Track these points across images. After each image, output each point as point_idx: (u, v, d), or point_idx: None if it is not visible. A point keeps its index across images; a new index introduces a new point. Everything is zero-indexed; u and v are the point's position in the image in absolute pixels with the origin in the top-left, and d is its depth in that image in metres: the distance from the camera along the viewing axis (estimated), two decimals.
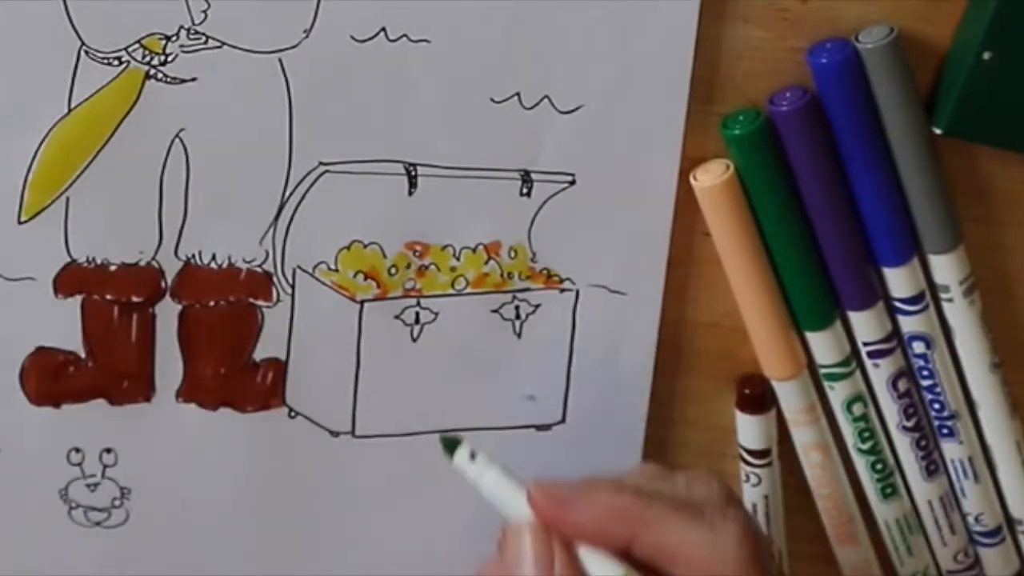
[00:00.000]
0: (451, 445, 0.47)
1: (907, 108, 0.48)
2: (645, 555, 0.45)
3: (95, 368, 0.52)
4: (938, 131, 0.49)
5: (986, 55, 0.47)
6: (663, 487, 0.46)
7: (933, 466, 0.55)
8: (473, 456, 0.47)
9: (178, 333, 0.52)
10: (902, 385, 0.53)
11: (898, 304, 0.52)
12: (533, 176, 0.51)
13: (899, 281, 0.52)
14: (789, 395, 0.53)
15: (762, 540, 0.45)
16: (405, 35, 0.49)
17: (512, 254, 0.52)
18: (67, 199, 0.50)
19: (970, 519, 0.56)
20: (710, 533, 0.44)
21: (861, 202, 0.50)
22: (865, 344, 0.53)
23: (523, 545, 0.45)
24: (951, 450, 0.55)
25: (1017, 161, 0.51)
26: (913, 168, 0.50)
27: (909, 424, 0.54)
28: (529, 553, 0.45)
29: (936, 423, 0.54)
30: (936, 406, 0.54)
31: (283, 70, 0.49)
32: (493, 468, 0.46)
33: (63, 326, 0.52)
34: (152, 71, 0.49)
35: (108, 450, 0.54)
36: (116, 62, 0.48)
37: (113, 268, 0.51)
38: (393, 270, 0.52)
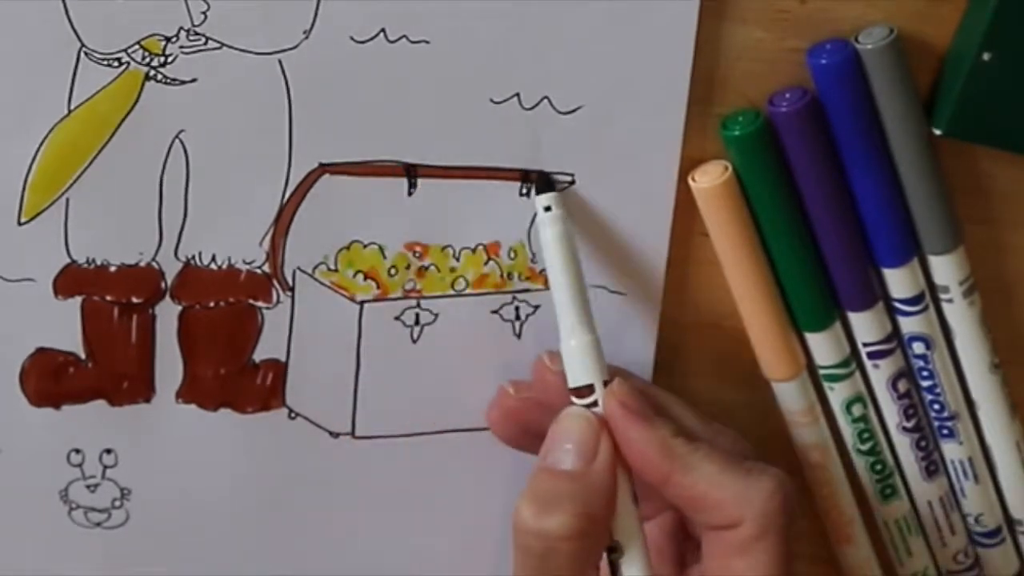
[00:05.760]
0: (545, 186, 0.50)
1: (907, 109, 0.48)
2: (675, 496, 0.46)
3: (95, 369, 0.52)
4: (938, 132, 0.49)
5: (986, 56, 0.47)
6: (703, 434, 0.48)
7: (933, 467, 0.55)
8: (548, 209, 0.50)
9: (178, 334, 0.52)
10: (902, 386, 0.53)
11: (898, 305, 0.52)
12: (532, 176, 0.51)
13: (899, 282, 0.51)
14: (788, 396, 0.53)
15: (792, 502, 0.46)
16: (405, 36, 0.49)
17: (512, 255, 0.52)
18: (67, 200, 0.50)
19: (970, 520, 0.56)
20: (743, 482, 0.46)
21: (861, 203, 0.50)
22: (865, 345, 0.52)
23: (575, 427, 0.47)
24: (951, 451, 0.55)
25: (1017, 162, 0.51)
26: (913, 169, 0.49)
27: (909, 425, 0.54)
28: (578, 437, 0.46)
29: (936, 424, 0.54)
30: (936, 407, 0.54)
31: (283, 71, 0.49)
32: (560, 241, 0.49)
33: (63, 327, 0.52)
34: (152, 72, 0.49)
35: (108, 451, 0.54)
36: (116, 63, 0.48)
37: (113, 269, 0.51)
38: (393, 271, 0.52)
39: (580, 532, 0.45)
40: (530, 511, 0.45)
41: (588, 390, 0.48)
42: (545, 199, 0.50)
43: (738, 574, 0.47)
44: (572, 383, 0.48)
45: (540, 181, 0.50)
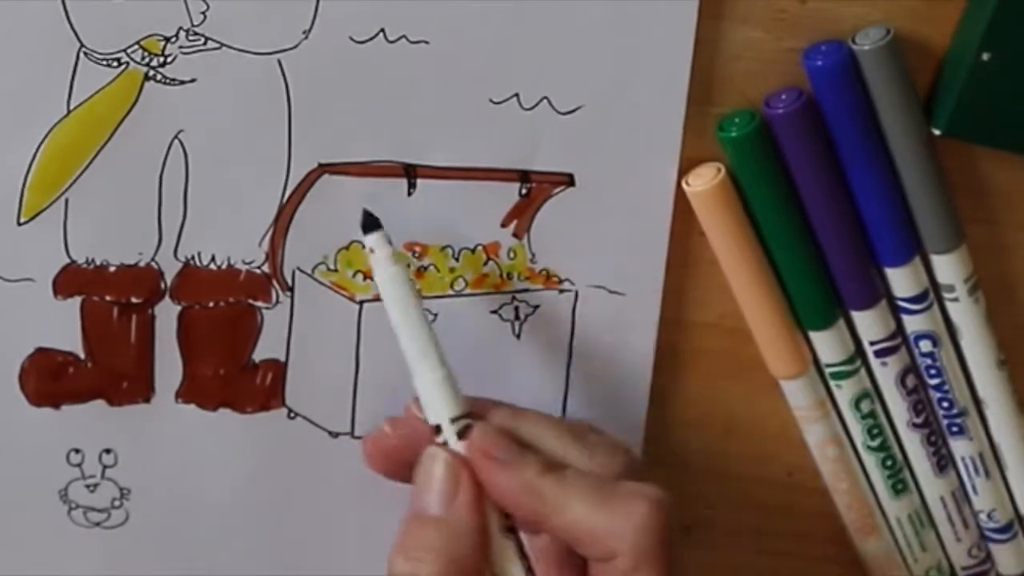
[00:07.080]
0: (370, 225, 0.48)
1: (905, 109, 0.48)
2: (555, 533, 0.47)
3: (94, 369, 0.52)
4: (937, 132, 0.49)
5: (985, 56, 0.47)
6: (577, 457, 0.48)
7: (944, 462, 0.55)
8: (372, 252, 0.48)
9: (177, 334, 0.52)
10: (910, 382, 0.53)
11: (902, 303, 0.52)
12: (532, 177, 0.51)
13: (901, 281, 0.51)
14: (797, 393, 0.53)
15: (670, 518, 0.46)
16: (404, 36, 0.49)
17: (511, 255, 0.52)
18: (66, 200, 0.50)
19: (982, 516, 0.56)
20: (614, 513, 0.46)
21: (860, 202, 0.50)
22: (872, 343, 0.52)
23: (434, 470, 0.47)
24: (961, 447, 0.55)
25: (1017, 162, 0.51)
26: (912, 169, 0.49)
27: (919, 420, 0.54)
28: (437, 481, 0.47)
29: (945, 421, 0.54)
30: (945, 404, 0.54)
31: (282, 71, 0.49)
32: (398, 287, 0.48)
33: (62, 327, 0.52)
34: (151, 72, 0.49)
35: (108, 451, 0.54)
36: (115, 63, 0.48)
37: (112, 269, 0.51)
38: None
39: None
40: (399, 560, 0.46)
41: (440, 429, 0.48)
42: (370, 241, 0.48)
43: None
44: (430, 420, 0.48)
45: (365, 219, 0.48)
